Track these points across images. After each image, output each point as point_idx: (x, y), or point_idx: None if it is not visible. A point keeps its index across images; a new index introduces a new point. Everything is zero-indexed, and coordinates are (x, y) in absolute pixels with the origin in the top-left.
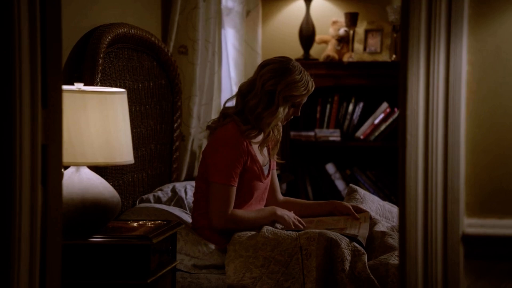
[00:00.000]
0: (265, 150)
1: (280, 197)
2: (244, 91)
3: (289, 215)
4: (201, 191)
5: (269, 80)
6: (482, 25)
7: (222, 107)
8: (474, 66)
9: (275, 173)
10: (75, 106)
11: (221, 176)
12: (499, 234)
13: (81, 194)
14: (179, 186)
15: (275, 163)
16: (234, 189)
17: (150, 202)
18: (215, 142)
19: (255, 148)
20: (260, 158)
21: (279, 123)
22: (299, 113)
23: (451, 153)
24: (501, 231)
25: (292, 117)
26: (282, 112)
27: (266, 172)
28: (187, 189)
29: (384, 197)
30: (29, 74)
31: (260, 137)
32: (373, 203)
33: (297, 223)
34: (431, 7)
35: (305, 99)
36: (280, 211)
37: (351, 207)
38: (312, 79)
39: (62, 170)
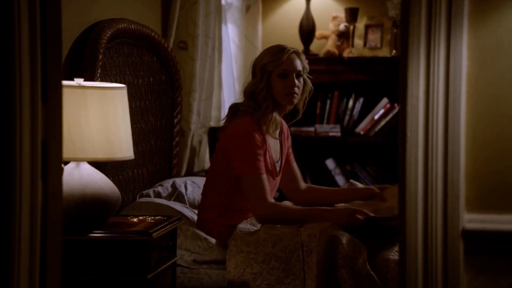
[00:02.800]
0: (277, 146)
1: (303, 185)
2: (248, 89)
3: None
4: (211, 184)
5: (256, 59)
6: (482, 21)
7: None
8: (474, 62)
9: (294, 164)
10: (75, 102)
11: (249, 168)
12: (499, 230)
13: (81, 189)
14: (179, 181)
15: (292, 156)
16: (265, 177)
17: (150, 197)
18: (232, 136)
19: (270, 142)
20: (273, 154)
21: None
22: (295, 84)
23: (451, 148)
24: (501, 227)
25: (291, 90)
26: (270, 84)
27: (278, 169)
28: (187, 185)
29: None
30: (29, 70)
31: (276, 133)
32: None
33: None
34: (431, 3)
35: (287, 68)
36: (342, 217)
37: (375, 189)
38: (292, 50)
39: (62, 165)
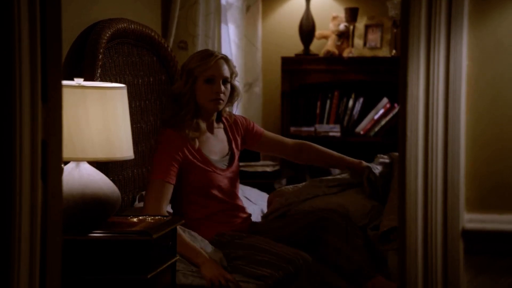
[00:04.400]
0: (223, 142)
1: (289, 141)
2: (172, 91)
3: (217, 277)
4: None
5: (184, 63)
6: (482, 21)
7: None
8: (474, 62)
9: (266, 133)
10: (75, 102)
11: (152, 172)
12: (499, 230)
13: (81, 189)
14: None
15: (259, 130)
16: (168, 185)
17: None
18: (154, 147)
19: (209, 141)
20: (214, 151)
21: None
22: (221, 90)
23: (451, 148)
24: (501, 227)
25: (216, 96)
26: (196, 88)
27: (227, 163)
28: None
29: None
30: (29, 70)
31: (217, 132)
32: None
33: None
34: (431, 3)
35: (214, 74)
36: (210, 271)
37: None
38: (220, 55)
39: (62, 165)
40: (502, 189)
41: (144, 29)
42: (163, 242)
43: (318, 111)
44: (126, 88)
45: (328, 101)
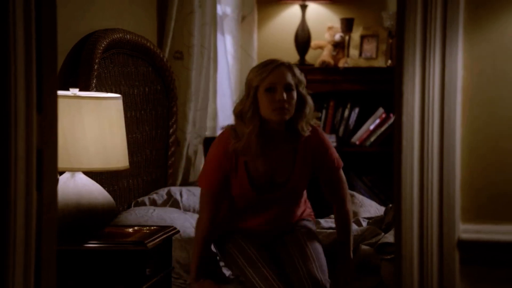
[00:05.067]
0: (288, 162)
1: (335, 200)
2: (235, 108)
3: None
4: None
5: (247, 76)
6: (477, 30)
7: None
8: (469, 71)
9: (334, 177)
10: (71, 112)
11: (201, 181)
12: (495, 240)
13: (76, 199)
14: (175, 189)
15: (329, 169)
16: (214, 192)
17: (145, 205)
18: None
19: (258, 160)
20: (260, 170)
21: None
22: (283, 98)
23: (447, 158)
24: (497, 237)
25: (278, 105)
26: (259, 101)
27: (274, 187)
28: (182, 192)
29: (380, 203)
30: (24, 79)
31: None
32: (371, 207)
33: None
34: (426, 12)
35: (274, 81)
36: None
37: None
38: (281, 62)
39: (57, 175)
40: (498, 199)
41: (139, 39)
42: (158, 252)
43: None
44: (121, 98)
45: (324, 111)
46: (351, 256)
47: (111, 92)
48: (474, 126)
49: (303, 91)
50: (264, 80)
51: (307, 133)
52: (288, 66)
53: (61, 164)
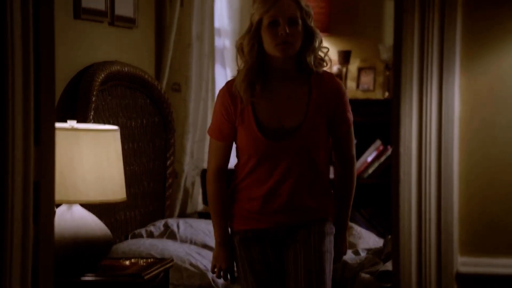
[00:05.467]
0: (301, 103)
1: (340, 160)
2: (236, 42)
3: (217, 265)
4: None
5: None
6: (474, 63)
7: None
8: (466, 105)
9: (343, 130)
10: (68, 144)
11: (209, 129)
12: (493, 273)
13: (73, 232)
14: (172, 221)
15: (341, 121)
16: (220, 144)
17: (142, 237)
18: None
19: (265, 103)
20: (269, 115)
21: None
22: (286, 32)
23: (445, 190)
24: (495, 270)
25: (281, 39)
26: (260, 38)
27: (288, 133)
28: (179, 224)
29: (378, 235)
30: (21, 112)
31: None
32: (369, 239)
33: (218, 274)
34: (423, 45)
35: (276, 14)
36: (214, 256)
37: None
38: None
39: (54, 208)
40: (496, 232)
41: (137, 72)
42: (155, 284)
43: None
44: (119, 130)
45: None
46: (347, 230)
47: (109, 124)
48: (472, 158)
49: (311, 24)
50: (266, 13)
51: (319, 69)
52: None
53: (58, 196)
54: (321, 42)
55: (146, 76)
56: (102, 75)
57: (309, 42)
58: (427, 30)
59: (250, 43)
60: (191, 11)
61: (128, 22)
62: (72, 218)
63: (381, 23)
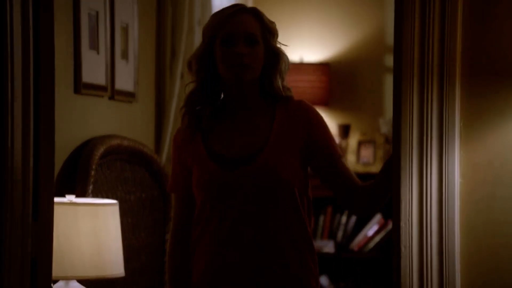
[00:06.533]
0: (265, 129)
1: (356, 184)
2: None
3: None
4: None
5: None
6: (474, 139)
7: None
8: (467, 179)
9: (338, 164)
10: (66, 218)
11: (167, 186)
12: None
13: None
14: None
15: (330, 153)
16: (179, 197)
17: None
18: None
19: (224, 134)
20: (230, 145)
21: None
22: (242, 51)
23: (446, 265)
24: None
25: (236, 60)
26: (212, 57)
27: (250, 159)
28: None
29: None
30: (21, 187)
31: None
32: None
33: None
34: (422, 120)
35: (231, 31)
36: None
37: None
38: (241, 7)
39: (51, 285)
40: None
41: (136, 145)
42: None
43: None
44: (117, 204)
45: (321, 217)
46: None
47: (108, 197)
48: (473, 234)
49: (275, 43)
50: (220, 29)
51: (286, 93)
52: (253, 11)
53: (55, 273)
54: (287, 65)
55: (146, 150)
56: (102, 149)
57: (273, 65)
58: (427, 102)
59: (200, 63)
60: None
61: (128, 96)
62: None
63: (381, 96)
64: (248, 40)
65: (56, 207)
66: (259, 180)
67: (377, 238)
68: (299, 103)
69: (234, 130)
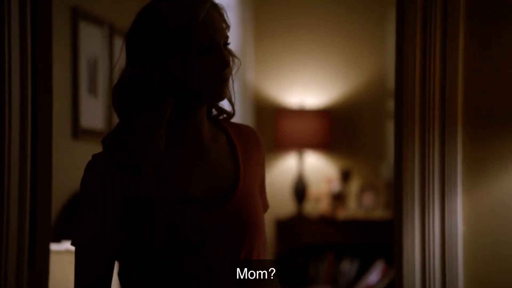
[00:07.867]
0: (227, 159)
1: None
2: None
3: None
4: None
5: (130, 30)
6: (476, 186)
7: None
8: (469, 226)
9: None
10: (62, 266)
11: (75, 238)
12: None
13: None
14: None
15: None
16: (100, 261)
17: None
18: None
19: (183, 168)
20: (194, 182)
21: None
22: (227, 63)
23: None
24: None
25: (222, 77)
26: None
27: (223, 198)
28: None
29: None
30: (16, 234)
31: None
32: None
33: None
34: (424, 166)
35: (211, 37)
36: None
37: None
38: (207, 0)
39: None
40: None
41: None
42: None
43: (311, 273)
44: None
45: (323, 264)
46: None
47: None
48: (475, 281)
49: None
50: (194, 28)
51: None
52: (216, 7)
53: None
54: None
55: None
56: None
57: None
58: (428, 147)
59: (161, 84)
60: None
61: None
62: None
63: (382, 141)
64: (225, 46)
65: (52, 255)
66: (239, 222)
67: (380, 285)
68: (250, 130)
69: (188, 159)
